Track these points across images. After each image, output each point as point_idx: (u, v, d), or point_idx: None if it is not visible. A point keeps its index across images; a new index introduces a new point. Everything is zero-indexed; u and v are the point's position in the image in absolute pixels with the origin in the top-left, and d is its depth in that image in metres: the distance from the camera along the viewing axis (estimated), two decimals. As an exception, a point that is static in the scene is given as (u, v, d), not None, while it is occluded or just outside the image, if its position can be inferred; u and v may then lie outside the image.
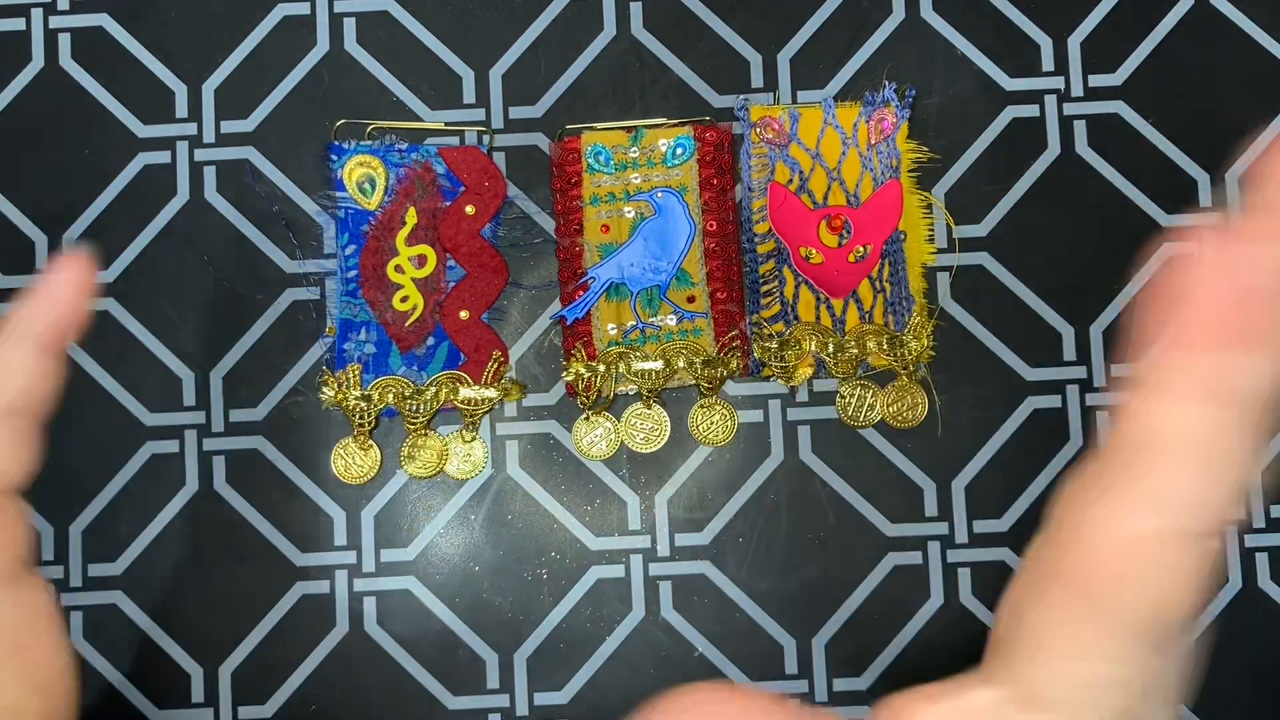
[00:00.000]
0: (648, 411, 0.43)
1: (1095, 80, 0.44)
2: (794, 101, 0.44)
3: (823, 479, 0.43)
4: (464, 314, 0.43)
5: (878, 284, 0.43)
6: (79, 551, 0.43)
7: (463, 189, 0.44)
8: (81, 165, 0.44)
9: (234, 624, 0.43)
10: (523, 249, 0.44)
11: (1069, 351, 0.43)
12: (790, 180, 0.44)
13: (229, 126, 0.44)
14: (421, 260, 0.44)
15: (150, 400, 0.43)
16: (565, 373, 0.43)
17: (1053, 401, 0.43)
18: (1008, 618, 0.22)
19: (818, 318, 0.43)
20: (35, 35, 0.45)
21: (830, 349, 0.43)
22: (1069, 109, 0.44)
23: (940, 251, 0.44)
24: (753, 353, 0.43)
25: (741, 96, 0.44)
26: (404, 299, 0.43)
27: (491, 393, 0.43)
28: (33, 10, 0.45)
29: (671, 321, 0.43)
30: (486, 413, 0.43)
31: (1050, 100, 0.44)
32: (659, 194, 0.43)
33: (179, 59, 0.45)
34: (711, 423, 0.43)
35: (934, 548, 0.43)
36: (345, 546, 0.43)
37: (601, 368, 0.43)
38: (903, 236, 0.43)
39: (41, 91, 0.44)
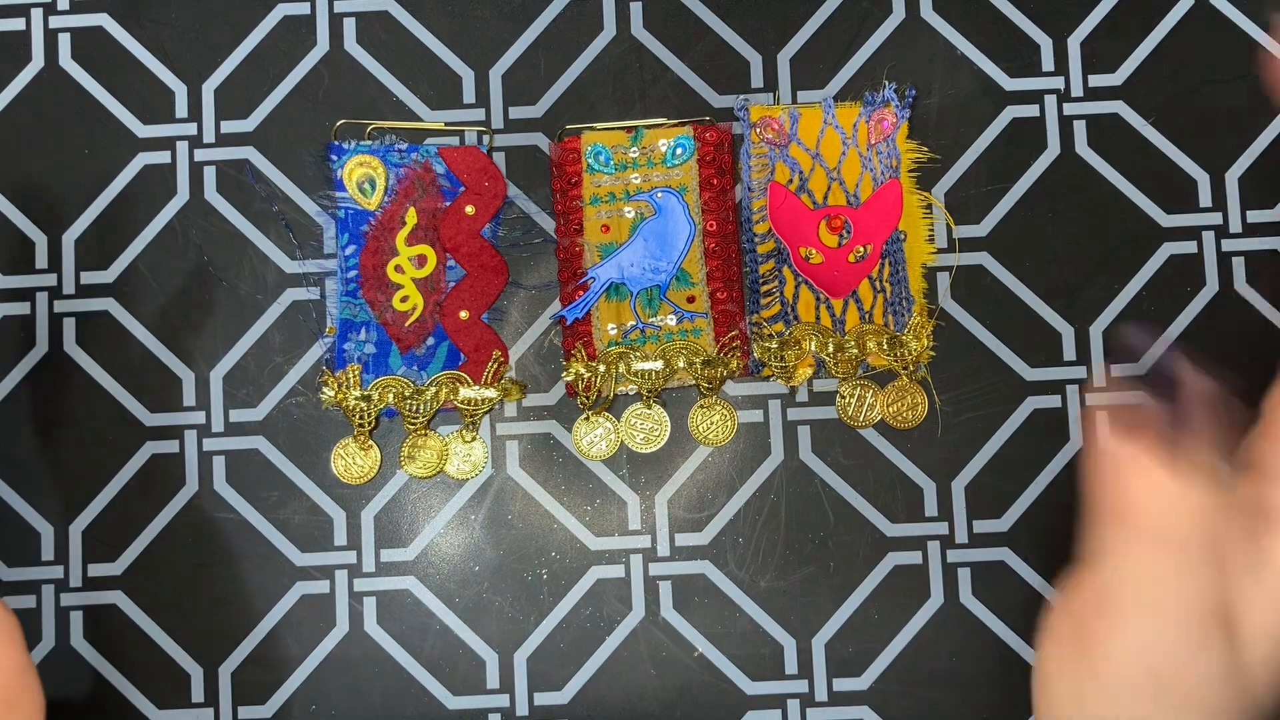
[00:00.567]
0: (648, 411, 0.43)
1: (1095, 80, 0.44)
2: (794, 101, 0.44)
3: (823, 479, 0.43)
4: (464, 314, 0.43)
5: (878, 284, 0.43)
6: (79, 551, 0.43)
7: (463, 189, 0.44)
8: (81, 165, 0.44)
9: (234, 624, 0.43)
10: (523, 249, 0.44)
11: (1069, 351, 0.43)
12: (790, 180, 0.44)
13: (229, 126, 0.44)
14: (421, 260, 0.44)
15: (150, 400, 0.43)
16: (565, 373, 0.43)
17: (1053, 401, 0.43)
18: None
19: (818, 318, 0.43)
20: (35, 35, 0.45)
21: (830, 349, 0.43)
22: (1069, 109, 0.44)
23: (940, 251, 0.44)
24: (752, 353, 0.43)
25: (741, 97, 0.44)
26: (404, 299, 0.43)
27: (491, 393, 0.43)
28: (33, 10, 0.45)
29: (671, 321, 0.43)
30: (486, 413, 0.43)
31: (1050, 100, 0.44)
32: (659, 194, 0.43)
33: (179, 59, 0.45)
34: (711, 423, 0.43)
35: (934, 548, 0.43)
36: (345, 546, 0.43)
37: (601, 368, 0.43)
38: (903, 236, 0.43)
39: (41, 91, 0.44)
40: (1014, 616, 0.42)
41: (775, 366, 0.43)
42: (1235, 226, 0.44)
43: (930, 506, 0.43)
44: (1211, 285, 0.44)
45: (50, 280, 0.44)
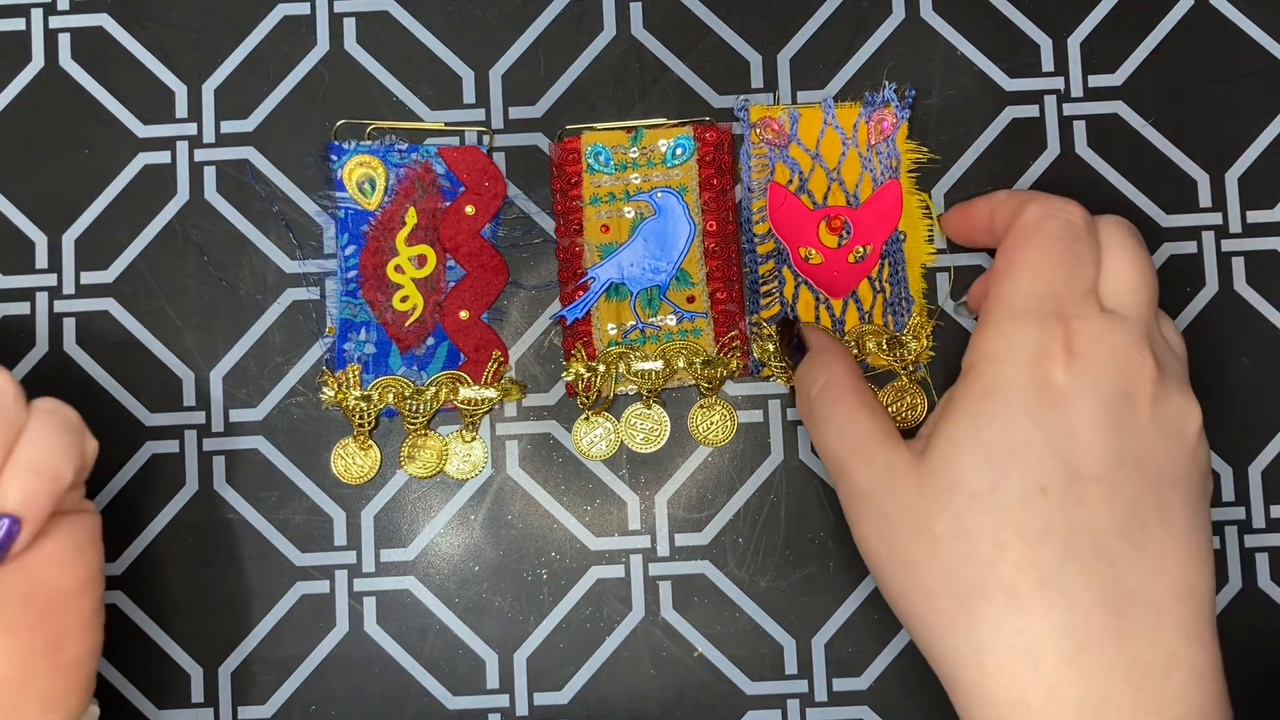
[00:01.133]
0: (648, 411, 0.43)
1: (1095, 80, 0.44)
2: (794, 102, 0.44)
3: (822, 479, 0.43)
4: (464, 314, 0.43)
5: (877, 284, 0.43)
6: (79, 551, 0.43)
7: (463, 189, 0.44)
8: (81, 165, 0.44)
9: (234, 624, 0.43)
10: (523, 249, 0.44)
11: (1069, 351, 0.43)
12: (790, 181, 0.44)
13: (229, 126, 0.44)
14: (421, 260, 0.44)
15: (150, 400, 0.43)
16: (565, 373, 0.43)
17: (1053, 401, 0.43)
18: None
19: (817, 318, 0.43)
20: (35, 35, 0.45)
21: (830, 349, 0.42)
22: (1069, 109, 0.44)
23: (940, 252, 0.44)
24: (752, 353, 0.43)
25: (741, 97, 0.44)
26: (404, 299, 0.43)
27: (491, 393, 0.43)
28: (33, 10, 0.45)
29: (671, 322, 0.43)
30: (486, 413, 0.43)
31: (1050, 100, 0.44)
32: (659, 194, 0.43)
33: (179, 59, 0.45)
34: (711, 423, 0.43)
35: (934, 548, 0.43)
36: (345, 546, 0.43)
37: (601, 368, 0.43)
38: (902, 237, 0.43)
39: (41, 91, 0.44)
40: (1014, 616, 0.42)
41: (775, 367, 0.43)
42: (1235, 226, 0.44)
43: (930, 506, 0.43)
44: (1211, 285, 0.44)
45: (50, 280, 0.44)
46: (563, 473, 0.43)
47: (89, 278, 0.44)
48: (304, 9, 0.45)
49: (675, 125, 0.44)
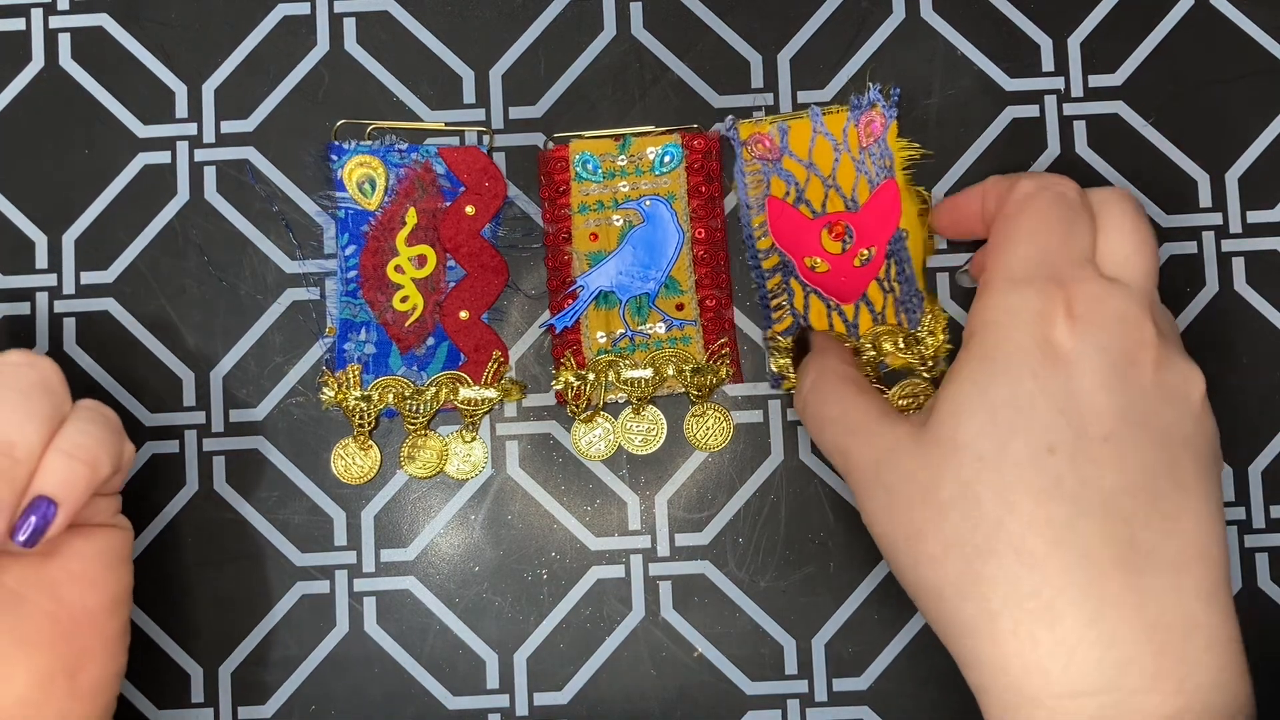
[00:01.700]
0: (641, 415, 0.43)
1: (1095, 80, 0.44)
2: (794, 102, 0.44)
3: (822, 479, 0.43)
4: (464, 314, 0.43)
5: (886, 284, 0.43)
6: (79, 551, 0.43)
7: (463, 189, 0.44)
8: (81, 165, 0.44)
9: (234, 624, 0.43)
10: (522, 250, 0.44)
11: (1069, 352, 0.43)
12: (787, 193, 0.43)
13: (229, 126, 0.44)
14: (421, 260, 0.44)
15: (150, 400, 0.43)
16: (555, 381, 0.43)
17: (1052, 402, 0.43)
18: None
19: (830, 325, 0.43)
20: (35, 35, 0.45)
21: (848, 354, 0.42)
22: (1069, 109, 0.44)
23: (940, 252, 0.44)
24: (770, 367, 0.43)
25: (729, 116, 0.44)
26: (404, 299, 0.43)
27: (491, 393, 0.43)
28: (33, 10, 0.45)
29: (660, 329, 0.43)
30: (486, 413, 0.43)
31: (1050, 100, 0.44)
32: (647, 202, 0.43)
33: (179, 59, 0.45)
34: (707, 429, 0.43)
35: (934, 548, 0.43)
36: (345, 546, 0.43)
37: (591, 376, 0.43)
38: (905, 235, 0.43)
39: (41, 91, 0.44)
40: (1014, 617, 0.42)
41: (794, 379, 0.43)
42: (1235, 227, 0.44)
43: (930, 507, 0.43)
44: (1211, 285, 0.44)
45: (50, 280, 0.44)
46: (563, 473, 0.43)
47: (89, 278, 0.44)
48: (304, 9, 0.45)
49: (663, 133, 0.44)
